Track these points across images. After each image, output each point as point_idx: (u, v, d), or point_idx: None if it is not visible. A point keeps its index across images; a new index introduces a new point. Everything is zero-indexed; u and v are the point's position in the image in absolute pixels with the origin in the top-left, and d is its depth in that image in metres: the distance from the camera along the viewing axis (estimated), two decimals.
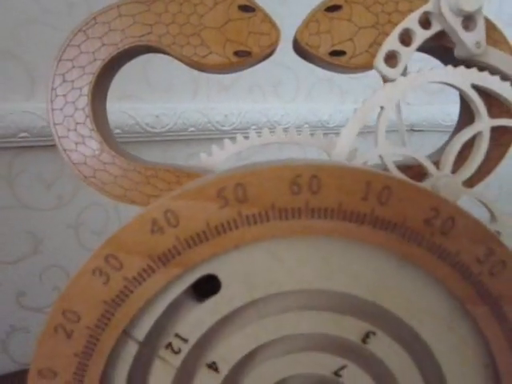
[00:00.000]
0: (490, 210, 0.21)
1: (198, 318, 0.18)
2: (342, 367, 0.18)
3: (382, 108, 0.21)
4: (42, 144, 0.50)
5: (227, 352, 0.18)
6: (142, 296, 0.17)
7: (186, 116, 0.57)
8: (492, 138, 0.23)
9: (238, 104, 0.62)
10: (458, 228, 0.16)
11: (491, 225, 0.21)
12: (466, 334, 0.18)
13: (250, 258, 0.17)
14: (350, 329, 0.18)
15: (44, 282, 0.54)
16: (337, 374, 0.18)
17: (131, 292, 0.17)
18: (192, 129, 0.57)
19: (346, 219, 0.16)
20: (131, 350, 0.18)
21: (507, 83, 0.20)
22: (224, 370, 0.18)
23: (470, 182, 0.22)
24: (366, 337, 0.18)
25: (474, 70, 0.20)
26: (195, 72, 0.61)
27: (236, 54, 0.21)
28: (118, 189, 0.22)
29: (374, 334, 0.18)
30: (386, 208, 0.16)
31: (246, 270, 0.17)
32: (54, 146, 0.51)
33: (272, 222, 0.16)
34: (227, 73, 0.22)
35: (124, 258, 0.16)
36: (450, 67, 0.20)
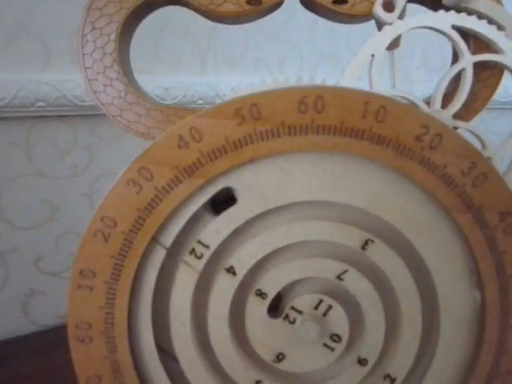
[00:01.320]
0: (480, 139, 0.23)
1: (218, 226, 0.20)
2: (344, 272, 0.21)
3: (372, 56, 0.24)
4: (57, 114, 0.53)
5: (243, 257, 0.20)
6: (170, 204, 0.19)
7: (195, 89, 0.59)
8: (479, 80, 0.25)
9: (245, 78, 0.64)
10: (445, 144, 0.19)
11: (482, 152, 0.23)
12: (453, 243, 0.20)
13: (262, 172, 0.20)
14: (351, 237, 0.20)
15: (60, 247, 0.57)
16: (339, 278, 0.21)
17: (160, 200, 0.19)
18: (200, 101, 0.59)
19: (347, 135, 0.19)
20: (160, 255, 0.20)
21: (484, 21, 0.22)
22: (240, 273, 0.20)
23: (460, 119, 0.25)
24: (365, 244, 0.20)
25: (452, 12, 0.22)
26: (203, 47, 0.63)
27: (248, 2, 0.23)
28: (142, 127, 0.24)
29: (372, 241, 0.20)
30: (381, 125, 0.19)
31: (259, 184, 0.20)
32: (68, 116, 0.54)
33: (282, 137, 0.19)
34: (241, 22, 0.25)
35: (154, 170, 0.19)
36: (430, 12, 0.22)
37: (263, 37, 0.64)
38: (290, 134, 0.19)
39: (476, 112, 0.25)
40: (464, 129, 0.23)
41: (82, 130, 0.55)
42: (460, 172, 0.19)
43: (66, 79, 0.52)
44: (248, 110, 0.18)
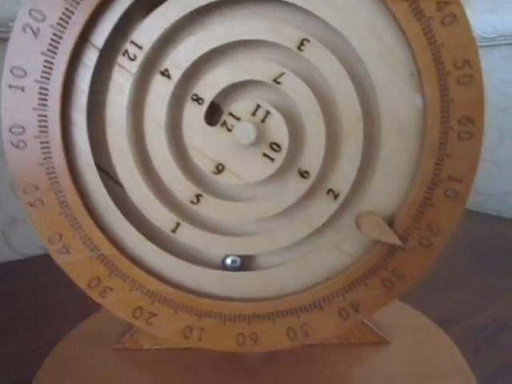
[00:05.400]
0: None
1: (151, 24, 0.20)
2: (281, 74, 0.20)
3: None
4: None
5: (178, 59, 0.20)
6: None
7: None
8: None
9: None
10: None
11: None
12: (393, 44, 0.20)
13: None
14: (287, 36, 0.20)
15: None
16: (276, 81, 0.20)
17: None
18: None
19: None
20: (92, 55, 0.20)
21: None
22: (175, 76, 0.20)
23: None
24: (301, 44, 0.20)
25: None
26: None
27: None
28: None
29: (308, 41, 0.20)
30: None
31: None
32: None
33: None
34: None
35: None
36: None
37: None
38: None
39: None
40: None
41: None
42: None
43: None
44: None
